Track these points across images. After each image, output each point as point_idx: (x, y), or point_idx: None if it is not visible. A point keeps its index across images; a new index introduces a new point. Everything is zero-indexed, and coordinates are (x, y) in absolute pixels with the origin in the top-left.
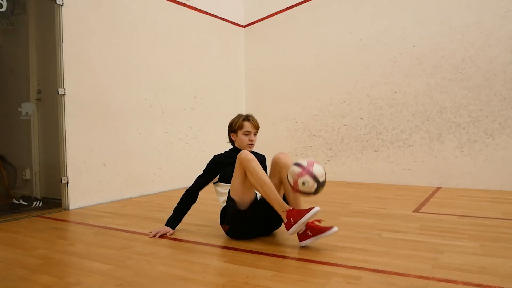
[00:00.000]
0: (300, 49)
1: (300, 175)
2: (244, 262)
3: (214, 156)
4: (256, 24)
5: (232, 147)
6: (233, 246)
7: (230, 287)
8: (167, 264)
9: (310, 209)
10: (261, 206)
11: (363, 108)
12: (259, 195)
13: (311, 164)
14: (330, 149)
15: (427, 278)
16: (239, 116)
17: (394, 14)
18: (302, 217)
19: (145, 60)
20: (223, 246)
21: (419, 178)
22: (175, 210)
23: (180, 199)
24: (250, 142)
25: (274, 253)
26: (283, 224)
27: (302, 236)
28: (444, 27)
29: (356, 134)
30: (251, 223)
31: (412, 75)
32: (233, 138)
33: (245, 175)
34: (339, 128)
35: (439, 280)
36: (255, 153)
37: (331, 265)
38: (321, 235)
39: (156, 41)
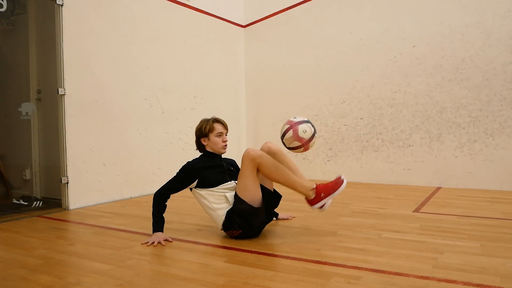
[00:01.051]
0: (300, 49)
1: (297, 123)
2: (244, 262)
3: (188, 162)
4: (256, 24)
5: (202, 153)
6: (233, 246)
7: (230, 287)
8: (167, 264)
9: (338, 179)
10: (264, 198)
11: (363, 108)
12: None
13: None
14: (330, 149)
15: (427, 278)
16: (205, 120)
17: (394, 14)
18: (336, 190)
19: (145, 60)
20: (223, 246)
21: (419, 178)
22: (154, 215)
23: (154, 205)
24: (225, 143)
25: (274, 253)
26: (286, 217)
27: (314, 200)
28: (444, 27)
29: (356, 134)
30: (264, 218)
31: (412, 75)
32: (204, 143)
33: (256, 173)
34: (339, 128)
35: (439, 280)
36: (225, 158)
37: (331, 265)
38: (335, 194)
39: (156, 41)
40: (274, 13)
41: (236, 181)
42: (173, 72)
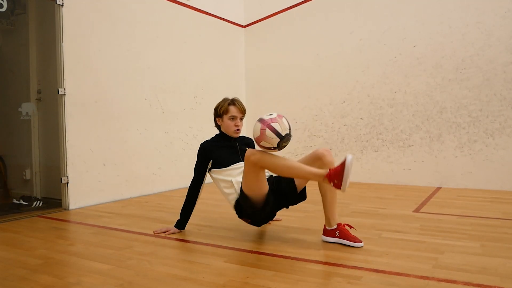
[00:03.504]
0: (300, 49)
1: (263, 129)
2: (244, 262)
3: (202, 144)
4: (256, 24)
5: (219, 132)
6: (233, 246)
7: (230, 287)
8: (167, 264)
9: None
10: (275, 188)
11: (363, 108)
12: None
13: (274, 120)
14: (330, 149)
15: (427, 278)
16: (224, 100)
17: (394, 14)
18: (343, 172)
19: (145, 60)
20: (223, 246)
21: (419, 178)
22: (181, 210)
23: (186, 198)
24: (236, 128)
25: (274, 253)
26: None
27: (329, 232)
28: (444, 27)
29: (356, 134)
30: (271, 212)
31: (412, 75)
32: (218, 123)
33: (260, 174)
34: (339, 128)
35: (439, 280)
36: (242, 138)
37: (331, 265)
38: (345, 241)
39: (156, 41)
40: (274, 13)
41: None
42: (173, 72)
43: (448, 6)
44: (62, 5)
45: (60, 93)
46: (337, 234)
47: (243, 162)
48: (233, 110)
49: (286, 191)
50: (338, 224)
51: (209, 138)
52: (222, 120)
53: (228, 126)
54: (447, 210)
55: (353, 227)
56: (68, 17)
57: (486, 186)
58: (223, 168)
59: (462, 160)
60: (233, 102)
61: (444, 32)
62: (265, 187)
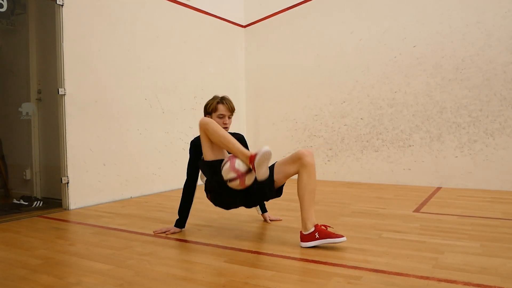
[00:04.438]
0: (300, 49)
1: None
2: (244, 262)
3: (192, 141)
4: (256, 24)
5: None
6: (233, 246)
7: (230, 287)
8: (167, 264)
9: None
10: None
11: (363, 108)
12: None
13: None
14: (330, 149)
15: (427, 278)
16: (214, 98)
17: (394, 14)
18: (332, 238)
19: (145, 60)
20: (223, 246)
21: (419, 178)
22: (178, 209)
23: (182, 196)
24: (224, 126)
25: (274, 253)
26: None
27: (307, 237)
28: (444, 27)
29: (356, 134)
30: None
31: (412, 75)
32: None
33: (208, 140)
34: (339, 128)
35: (439, 280)
36: (232, 134)
37: (331, 265)
38: (328, 240)
39: (156, 41)
40: (274, 13)
41: None
42: (173, 72)
43: (448, 6)
44: (62, 5)
45: (60, 93)
46: (317, 236)
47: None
48: (221, 108)
49: (263, 184)
50: (316, 226)
51: (198, 135)
52: (211, 118)
53: None
54: (447, 210)
55: (329, 226)
56: (68, 17)
57: (486, 186)
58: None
59: (462, 160)
60: (222, 100)
61: (444, 32)
62: (221, 156)
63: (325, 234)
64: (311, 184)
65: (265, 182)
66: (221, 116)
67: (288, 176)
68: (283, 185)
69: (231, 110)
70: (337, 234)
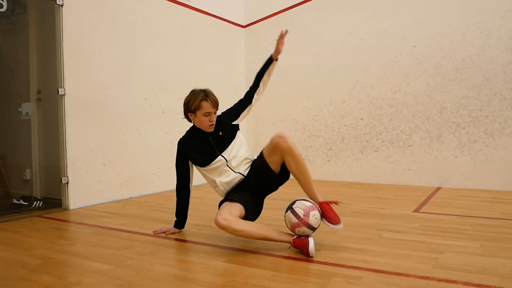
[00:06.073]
0: (300, 49)
1: (296, 225)
2: (244, 262)
3: (179, 141)
4: (256, 24)
5: (192, 125)
6: (233, 246)
7: (230, 287)
8: (167, 264)
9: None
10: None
11: (363, 108)
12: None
13: (308, 214)
14: (330, 149)
15: (427, 278)
16: (195, 94)
17: (394, 14)
18: (328, 221)
19: (145, 60)
20: (223, 246)
21: (419, 178)
22: (176, 213)
23: (176, 198)
24: (211, 123)
25: (274, 253)
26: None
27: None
28: (444, 27)
29: (356, 134)
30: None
31: (412, 75)
32: (191, 118)
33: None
34: (339, 128)
35: (439, 280)
36: (218, 120)
37: (331, 265)
38: (325, 221)
39: (156, 41)
40: (274, 13)
41: (226, 153)
42: (173, 72)
43: (448, 6)
44: (62, 5)
45: (60, 93)
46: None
47: (220, 157)
48: (206, 106)
49: (266, 180)
50: (321, 203)
51: (184, 133)
52: (195, 116)
53: (202, 122)
54: (447, 210)
55: (337, 203)
56: (68, 17)
57: (486, 186)
58: (204, 168)
59: (462, 160)
60: (206, 97)
61: (444, 32)
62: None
63: (324, 211)
64: (298, 165)
65: (266, 178)
66: (207, 114)
67: (280, 162)
68: (284, 168)
69: (216, 105)
70: (334, 219)
